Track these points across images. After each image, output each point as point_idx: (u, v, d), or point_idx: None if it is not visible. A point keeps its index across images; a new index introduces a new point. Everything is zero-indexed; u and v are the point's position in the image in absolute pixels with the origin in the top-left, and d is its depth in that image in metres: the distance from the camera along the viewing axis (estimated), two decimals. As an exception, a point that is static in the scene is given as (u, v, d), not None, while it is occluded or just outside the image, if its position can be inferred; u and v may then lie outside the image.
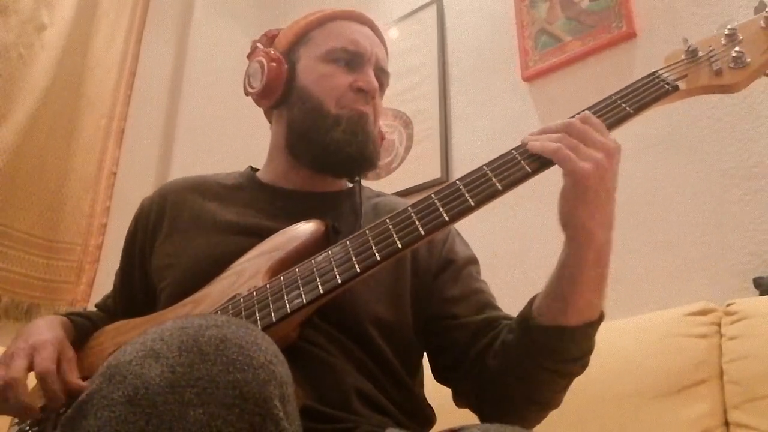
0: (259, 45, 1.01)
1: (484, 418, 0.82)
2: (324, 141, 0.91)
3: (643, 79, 0.75)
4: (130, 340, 0.50)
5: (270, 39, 1.02)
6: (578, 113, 0.73)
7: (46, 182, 2.08)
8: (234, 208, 0.93)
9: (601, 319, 0.73)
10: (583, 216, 0.67)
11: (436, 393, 0.90)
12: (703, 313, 1.20)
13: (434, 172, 1.95)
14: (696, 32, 1.58)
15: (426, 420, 0.86)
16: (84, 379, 0.79)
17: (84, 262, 2.13)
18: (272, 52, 0.97)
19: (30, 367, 0.76)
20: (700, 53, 0.75)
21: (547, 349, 0.72)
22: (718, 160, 1.44)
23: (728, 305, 1.20)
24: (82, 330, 0.90)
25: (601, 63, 1.74)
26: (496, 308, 0.88)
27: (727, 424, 1.10)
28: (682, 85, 0.74)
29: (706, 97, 0.75)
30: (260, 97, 0.97)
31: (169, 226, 0.94)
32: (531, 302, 0.76)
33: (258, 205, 0.93)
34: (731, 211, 1.40)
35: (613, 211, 0.69)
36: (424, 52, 2.15)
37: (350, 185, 1.01)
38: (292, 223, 0.83)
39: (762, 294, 1.25)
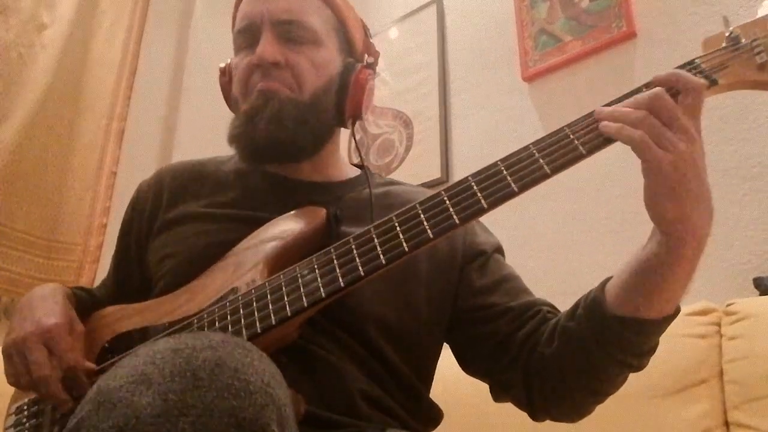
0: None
1: (533, 409, 0.79)
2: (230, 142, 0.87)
3: (679, 68, 0.67)
4: (120, 363, 0.48)
5: None
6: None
7: (46, 182, 2.08)
8: (235, 195, 0.89)
9: (677, 312, 0.69)
10: (674, 209, 0.61)
11: (443, 393, 0.88)
12: (703, 313, 1.20)
13: (434, 172, 1.95)
14: (696, 33, 1.59)
15: (432, 420, 0.84)
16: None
17: (84, 262, 2.13)
18: (226, 65, 0.93)
19: (49, 354, 0.74)
20: (743, 40, 0.65)
21: (622, 341, 0.68)
22: (718, 160, 1.44)
23: (728, 305, 1.20)
24: (81, 304, 0.88)
25: (601, 63, 1.74)
26: (531, 293, 0.85)
27: (727, 424, 1.10)
28: (721, 78, 0.65)
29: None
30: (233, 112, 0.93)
31: (167, 215, 0.90)
32: (601, 288, 0.70)
33: (259, 193, 0.89)
34: (731, 211, 1.40)
35: (710, 199, 0.64)
36: (424, 52, 2.15)
37: (357, 173, 0.95)
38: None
39: (762, 294, 1.25)
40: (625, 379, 0.73)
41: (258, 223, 0.81)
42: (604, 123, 0.64)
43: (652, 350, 0.71)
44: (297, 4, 0.87)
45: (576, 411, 0.77)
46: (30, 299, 0.82)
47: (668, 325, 0.69)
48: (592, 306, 0.70)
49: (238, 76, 0.88)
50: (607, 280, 0.71)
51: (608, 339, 0.68)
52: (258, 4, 0.86)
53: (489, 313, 0.82)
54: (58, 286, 0.86)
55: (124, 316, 0.82)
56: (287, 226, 0.78)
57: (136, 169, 2.24)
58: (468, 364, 0.86)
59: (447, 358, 0.90)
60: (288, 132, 0.83)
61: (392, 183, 0.97)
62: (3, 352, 0.77)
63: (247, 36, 0.87)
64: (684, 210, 0.62)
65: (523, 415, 0.83)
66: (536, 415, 0.80)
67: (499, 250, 0.91)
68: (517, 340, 0.79)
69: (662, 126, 0.62)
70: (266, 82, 0.84)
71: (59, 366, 0.73)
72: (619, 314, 0.67)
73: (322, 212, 0.79)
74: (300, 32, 0.86)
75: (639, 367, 0.71)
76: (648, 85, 0.66)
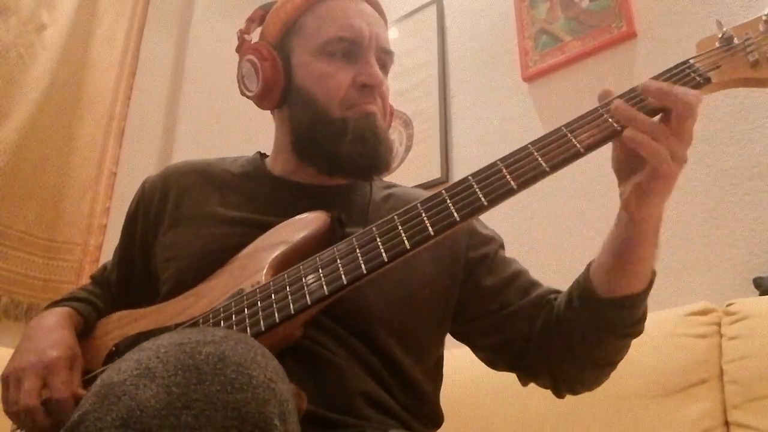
0: (246, 36, 0.94)
1: (557, 390, 0.85)
2: (332, 152, 0.85)
3: (674, 68, 0.70)
4: (124, 357, 0.49)
5: (254, 22, 0.95)
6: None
7: (46, 182, 2.08)
8: (240, 198, 0.89)
9: (653, 277, 0.75)
10: (658, 207, 0.68)
11: (443, 394, 0.88)
12: (703, 313, 1.20)
13: (434, 172, 1.96)
14: (696, 33, 1.58)
15: (434, 421, 0.84)
16: (86, 372, 0.79)
17: (84, 262, 2.13)
18: (263, 47, 0.90)
19: (43, 386, 0.73)
20: (736, 41, 0.68)
21: (622, 318, 0.75)
22: (718, 160, 1.44)
23: (728, 305, 1.20)
24: (89, 321, 0.88)
25: (601, 63, 1.74)
26: (539, 284, 0.89)
27: (727, 424, 1.10)
28: (714, 76, 0.68)
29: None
30: (259, 100, 0.91)
31: (173, 216, 0.90)
32: (586, 275, 0.77)
33: (265, 197, 0.90)
34: (731, 211, 1.40)
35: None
36: (424, 52, 2.15)
37: None
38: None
39: (762, 294, 1.25)
40: (629, 345, 0.80)
41: (264, 227, 0.81)
42: (629, 134, 0.65)
43: (645, 315, 0.77)
44: (387, 37, 0.93)
45: (595, 381, 0.83)
46: (36, 328, 0.82)
47: (650, 289, 0.76)
48: (585, 296, 0.77)
49: (334, 84, 0.86)
50: (590, 266, 0.78)
51: (608, 320, 0.75)
52: (364, 24, 0.88)
53: (504, 314, 0.85)
54: (62, 312, 0.86)
55: (132, 320, 0.83)
56: (292, 230, 0.79)
57: (136, 169, 2.25)
58: (496, 364, 0.90)
59: (447, 361, 0.90)
60: (385, 155, 0.88)
61: (393, 186, 0.98)
62: (3, 378, 0.77)
63: (347, 46, 0.87)
64: (658, 206, 0.69)
65: (524, 415, 0.83)
66: (560, 393, 0.86)
67: (500, 245, 0.94)
68: (534, 337, 0.83)
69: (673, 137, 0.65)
70: (373, 105, 0.88)
71: (50, 398, 0.72)
72: (612, 296, 0.74)
73: (327, 216, 0.80)
74: (389, 61, 0.92)
75: (638, 333, 0.78)
76: (607, 105, 0.68)
